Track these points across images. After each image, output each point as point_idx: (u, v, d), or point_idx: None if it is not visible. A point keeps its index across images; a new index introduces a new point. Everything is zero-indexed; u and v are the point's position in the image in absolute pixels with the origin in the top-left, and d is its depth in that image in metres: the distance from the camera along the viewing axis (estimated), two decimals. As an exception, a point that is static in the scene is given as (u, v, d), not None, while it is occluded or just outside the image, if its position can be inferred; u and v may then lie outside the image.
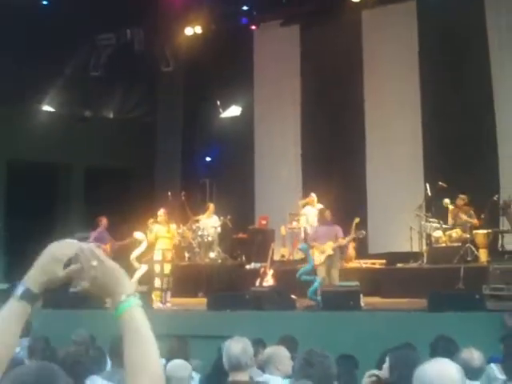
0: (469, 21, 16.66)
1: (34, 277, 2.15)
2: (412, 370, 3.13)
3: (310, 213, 16.15)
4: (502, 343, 7.39)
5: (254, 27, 20.18)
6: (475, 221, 14.52)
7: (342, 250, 13.95)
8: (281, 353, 6.03)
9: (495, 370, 6.31)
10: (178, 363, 5.81)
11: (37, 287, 2.14)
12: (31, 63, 17.48)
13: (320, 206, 15.91)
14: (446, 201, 15.10)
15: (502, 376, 6.21)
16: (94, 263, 2.11)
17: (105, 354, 6.97)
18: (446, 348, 6.03)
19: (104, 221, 16.03)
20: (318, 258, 12.96)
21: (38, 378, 2.07)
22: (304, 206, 16.63)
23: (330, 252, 12.95)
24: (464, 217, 14.70)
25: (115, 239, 16.08)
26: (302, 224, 16.26)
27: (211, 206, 17.65)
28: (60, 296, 11.48)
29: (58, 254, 2.15)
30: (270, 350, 6.17)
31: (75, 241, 2.18)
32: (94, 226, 15.87)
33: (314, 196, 16.32)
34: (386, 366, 4.73)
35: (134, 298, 2.11)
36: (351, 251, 15.47)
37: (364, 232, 14.30)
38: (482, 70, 16.46)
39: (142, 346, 2.06)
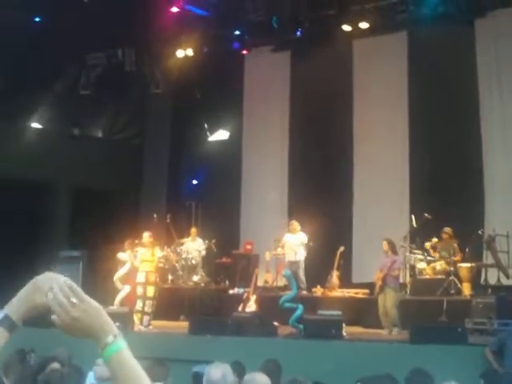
0: (459, 53, 16.75)
1: (14, 305, 2.12)
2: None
3: (290, 240, 16.05)
4: (482, 378, 7.35)
5: (245, 52, 20.20)
6: (457, 256, 14.49)
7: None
8: (260, 380, 5.93)
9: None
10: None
11: (16, 315, 2.10)
12: (21, 80, 17.39)
13: (302, 234, 15.85)
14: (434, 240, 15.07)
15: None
16: (74, 300, 1.99)
17: (83, 373, 6.87)
18: (420, 381, 5.97)
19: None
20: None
21: None
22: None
23: (377, 282, 12.99)
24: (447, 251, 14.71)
25: (99, 260, 15.90)
26: (286, 251, 16.15)
27: (194, 230, 17.61)
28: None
29: (40, 283, 2.10)
30: (249, 377, 6.08)
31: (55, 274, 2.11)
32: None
33: (294, 223, 16.24)
34: None
35: (120, 339, 2.03)
36: (335, 280, 15.39)
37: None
38: (471, 102, 16.49)
39: None
